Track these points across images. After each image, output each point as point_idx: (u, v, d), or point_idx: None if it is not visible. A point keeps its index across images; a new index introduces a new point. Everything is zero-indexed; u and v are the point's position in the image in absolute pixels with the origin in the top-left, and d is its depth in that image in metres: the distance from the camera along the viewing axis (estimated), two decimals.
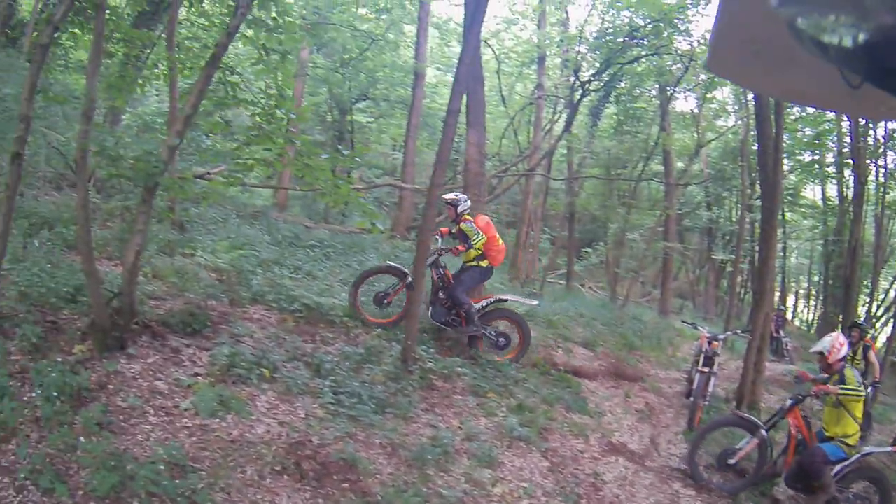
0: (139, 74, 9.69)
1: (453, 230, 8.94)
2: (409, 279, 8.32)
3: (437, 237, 8.96)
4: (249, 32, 7.20)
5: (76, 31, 11.15)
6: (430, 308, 8.66)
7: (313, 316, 7.71)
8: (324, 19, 16.32)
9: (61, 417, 4.70)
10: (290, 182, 15.12)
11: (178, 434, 5.02)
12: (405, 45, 21.26)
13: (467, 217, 8.27)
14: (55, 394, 4.80)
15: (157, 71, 9.95)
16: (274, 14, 7.17)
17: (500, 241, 8.82)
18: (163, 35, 10.19)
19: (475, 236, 8.38)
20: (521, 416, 7.20)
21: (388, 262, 9.75)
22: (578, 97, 16.12)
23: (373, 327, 8.01)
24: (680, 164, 20.09)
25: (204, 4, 11.43)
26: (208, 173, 10.36)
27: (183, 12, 10.83)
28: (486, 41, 17.26)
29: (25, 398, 4.78)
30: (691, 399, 8.88)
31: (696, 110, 19.27)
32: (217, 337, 6.34)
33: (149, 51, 10.59)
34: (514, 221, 22.59)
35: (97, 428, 4.75)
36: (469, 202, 8.70)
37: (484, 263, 8.65)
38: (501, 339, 8.76)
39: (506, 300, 9.21)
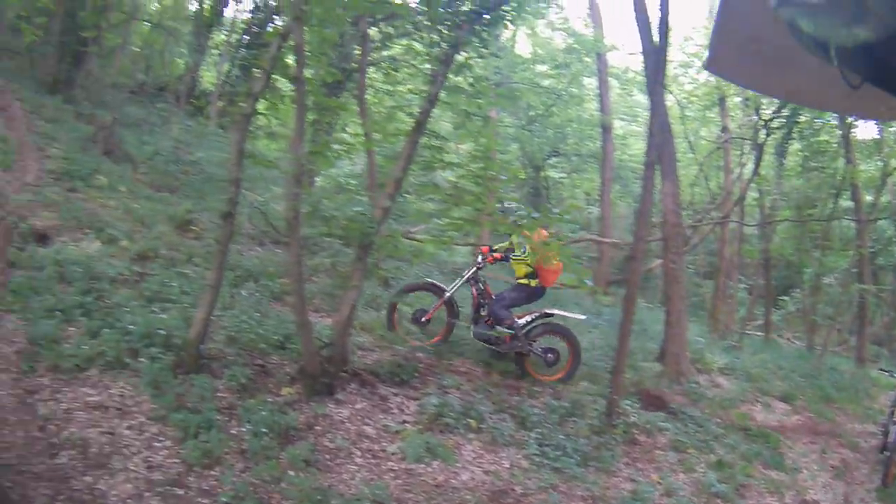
0: (330, 139, 14.47)
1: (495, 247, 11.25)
2: (447, 295, 10.85)
3: (479, 255, 11.31)
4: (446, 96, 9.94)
5: (271, 100, 16.61)
6: (473, 326, 10.96)
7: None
8: (507, 79, 21.28)
9: (268, 452, 7.03)
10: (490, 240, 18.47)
11: (383, 476, 7.34)
12: (588, 99, 25.50)
13: (525, 232, 10.20)
14: (263, 430, 7.44)
15: (349, 137, 14.55)
16: (471, 79, 9.97)
17: (556, 261, 10.61)
18: (353, 100, 15.16)
19: (520, 249, 10.62)
20: (720, 473, 9.19)
21: (427, 278, 12.33)
22: (763, 137, 19.48)
23: (412, 349, 10.38)
24: (868, 198, 21.62)
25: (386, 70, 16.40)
26: (410, 232, 13.89)
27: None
28: (667, 87, 20.18)
29: (233, 431, 7.54)
30: (886, 453, 10.41)
31: (878, 136, 20.93)
32: (425, 387, 9.09)
33: (340, 117, 15.84)
34: (711, 272, 26.45)
35: (303, 464, 7.15)
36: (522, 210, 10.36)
37: (534, 283, 10.76)
38: (550, 356, 10.73)
39: (552, 314, 11.12)
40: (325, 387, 8.63)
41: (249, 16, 30.83)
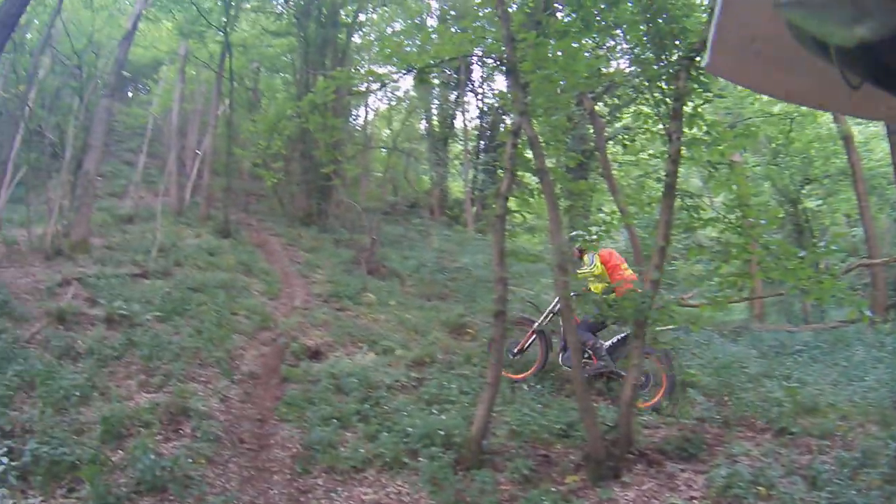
0: (588, 222, 14.84)
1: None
2: (536, 326, 10.98)
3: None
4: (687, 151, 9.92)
5: (520, 196, 17.39)
6: (561, 354, 10.95)
7: (806, 427, 9.83)
8: (739, 118, 20.67)
9: None
10: (765, 290, 17.95)
11: None
12: (819, 113, 23.77)
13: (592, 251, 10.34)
14: None
15: (605, 216, 14.89)
16: (705, 128, 9.82)
17: (627, 271, 10.53)
18: (600, 178, 15.58)
19: (585, 267, 10.72)
20: None
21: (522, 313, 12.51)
22: None
23: (510, 382, 10.44)
24: None
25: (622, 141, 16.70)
26: (683, 298, 13.94)
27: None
28: None
29: None
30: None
31: None
32: (713, 459, 8.82)
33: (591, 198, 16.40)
34: None
35: None
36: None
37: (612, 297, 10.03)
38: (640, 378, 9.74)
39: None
40: (610, 471, 8.63)
41: (478, 121, 32.70)
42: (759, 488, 8.00)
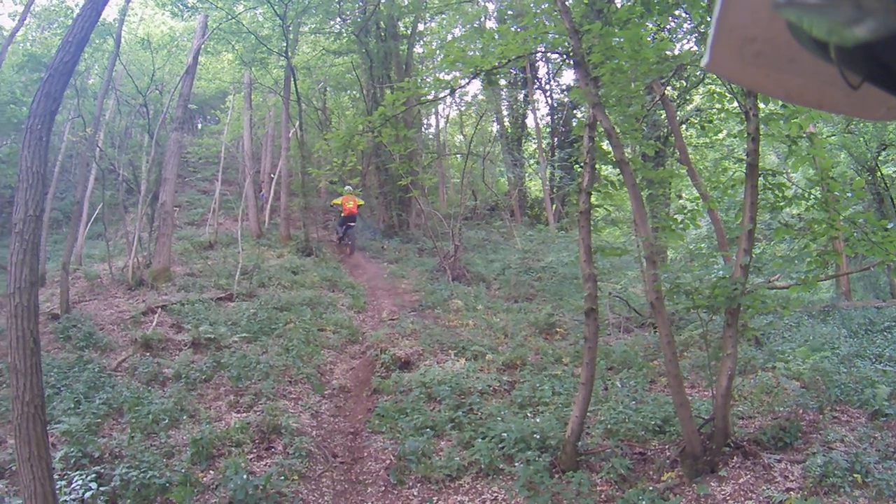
0: (669, 210, 14.53)
1: None
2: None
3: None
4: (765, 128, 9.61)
5: (603, 190, 17.32)
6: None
7: None
8: None
9: None
10: (849, 265, 17.30)
11: None
12: None
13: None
14: None
15: (687, 204, 14.58)
16: (779, 101, 10.08)
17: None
18: (679, 165, 15.23)
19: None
20: None
21: None
22: None
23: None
24: None
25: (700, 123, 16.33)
26: (770, 281, 13.52)
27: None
28: None
29: None
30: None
31: None
32: (808, 447, 8.64)
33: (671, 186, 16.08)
34: None
35: None
36: None
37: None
38: None
39: None
40: (707, 465, 8.47)
41: (549, 118, 32.49)
42: (856, 475, 7.86)
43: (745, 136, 9.15)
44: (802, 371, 11.12)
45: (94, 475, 8.39)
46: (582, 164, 9.66)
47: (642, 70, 9.55)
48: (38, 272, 6.62)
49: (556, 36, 10.54)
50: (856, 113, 1.42)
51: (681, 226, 10.23)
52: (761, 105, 9.29)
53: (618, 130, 9.57)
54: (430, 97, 13.85)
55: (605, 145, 9.96)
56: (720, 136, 16.54)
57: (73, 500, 7.84)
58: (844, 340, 12.73)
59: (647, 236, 9.21)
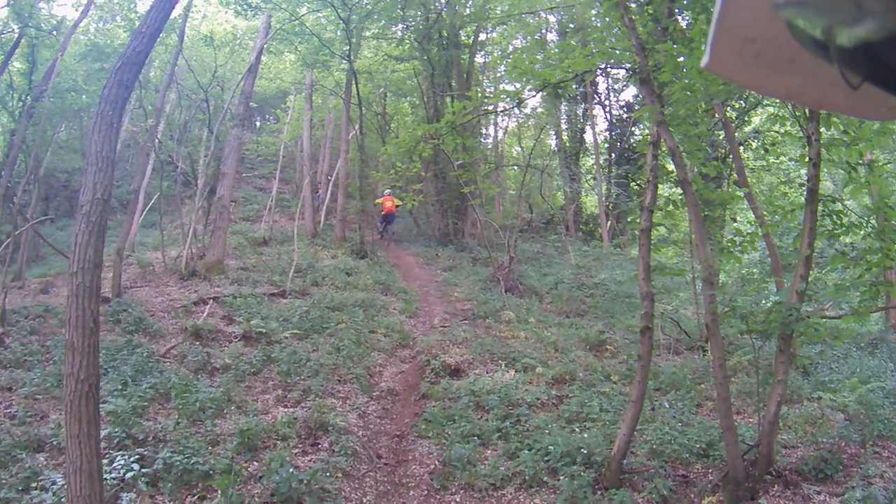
0: (723, 233, 14.33)
1: None
2: None
3: None
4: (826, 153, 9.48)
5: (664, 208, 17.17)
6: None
7: None
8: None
9: None
10: None
11: None
12: None
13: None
14: None
15: (740, 226, 14.42)
16: (841, 127, 9.33)
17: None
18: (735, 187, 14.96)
19: None
20: None
21: None
22: None
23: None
24: None
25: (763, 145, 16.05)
26: (821, 310, 12.97)
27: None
28: None
29: None
30: None
31: None
32: (848, 481, 8.56)
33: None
34: None
35: None
36: None
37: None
38: None
39: None
40: (747, 492, 8.35)
41: (607, 134, 32.31)
42: None
43: (807, 160, 9.03)
44: (848, 403, 10.96)
45: (136, 456, 8.50)
46: (640, 182, 9.55)
47: (712, 90, 9.38)
48: (101, 254, 6.62)
49: (623, 52, 10.44)
50: (856, 113, 1.46)
51: (739, 248, 10.10)
52: (822, 130, 9.13)
53: (681, 150, 9.58)
54: (494, 107, 13.81)
55: (667, 164, 9.99)
56: (778, 159, 16.26)
57: (114, 479, 7.95)
58: (892, 374, 12.42)
59: (706, 257, 9.13)
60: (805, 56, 1.26)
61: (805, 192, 9.01)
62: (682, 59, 9.22)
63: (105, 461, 7.99)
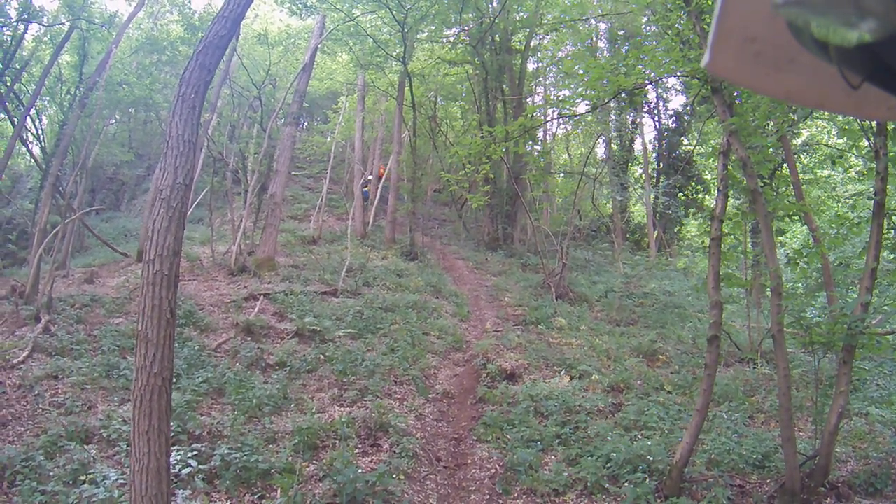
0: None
1: None
2: None
3: None
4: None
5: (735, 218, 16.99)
6: None
7: None
8: None
9: None
10: None
11: None
12: None
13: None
14: None
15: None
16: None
17: None
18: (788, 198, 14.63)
19: None
20: None
21: None
22: None
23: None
24: None
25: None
26: (872, 325, 13.44)
27: None
28: None
29: None
30: None
31: None
32: None
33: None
34: None
35: None
36: None
37: None
38: None
39: None
40: (802, 503, 8.33)
41: (657, 143, 32.04)
42: None
43: (875, 174, 8.95)
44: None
45: (193, 452, 8.43)
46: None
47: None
48: (181, 242, 6.41)
49: (693, 61, 10.26)
50: (856, 113, 1.45)
51: (805, 260, 10.43)
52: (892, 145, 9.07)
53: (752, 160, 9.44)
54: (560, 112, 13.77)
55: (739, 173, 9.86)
56: (846, 172, 15.96)
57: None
58: None
59: (776, 268, 9.11)
60: (805, 56, 1.26)
61: (873, 206, 8.94)
62: None
63: None
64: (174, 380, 10.28)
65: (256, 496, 8.05)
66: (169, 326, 6.23)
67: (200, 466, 8.17)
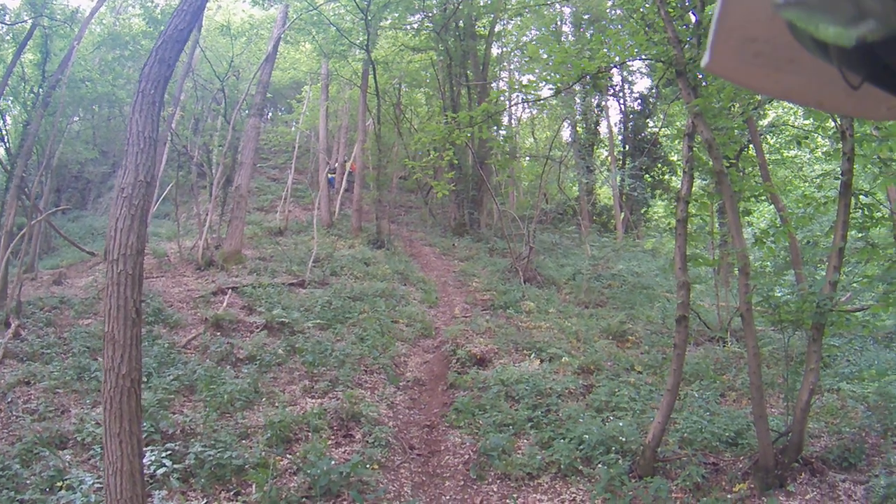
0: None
1: None
2: None
3: None
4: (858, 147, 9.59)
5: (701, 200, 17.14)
6: None
7: None
8: None
9: None
10: None
11: None
12: None
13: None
14: None
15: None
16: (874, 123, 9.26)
17: None
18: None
19: None
20: None
21: None
22: None
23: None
24: None
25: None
26: (840, 302, 13.71)
27: None
28: None
29: None
30: None
31: None
32: (871, 469, 8.70)
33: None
34: None
35: None
36: None
37: None
38: None
39: None
40: (777, 479, 8.49)
41: (622, 126, 32.21)
42: None
43: (841, 155, 9.13)
44: (868, 394, 11.05)
45: (167, 452, 8.34)
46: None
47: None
48: (144, 240, 6.34)
49: (657, 44, 10.33)
50: (856, 113, 1.63)
51: (772, 239, 10.65)
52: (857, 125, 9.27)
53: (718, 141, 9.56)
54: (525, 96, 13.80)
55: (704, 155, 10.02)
56: (812, 153, 16.17)
57: (145, 476, 7.57)
58: None
59: (743, 248, 9.23)
60: (805, 56, 1.26)
61: (840, 186, 9.06)
62: None
63: None
64: (145, 379, 10.27)
65: (232, 492, 8.00)
66: (135, 326, 6.14)
67: (175, 466, 8.09)
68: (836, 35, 1.11)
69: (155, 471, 7.92)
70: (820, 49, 1.17)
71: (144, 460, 7.76)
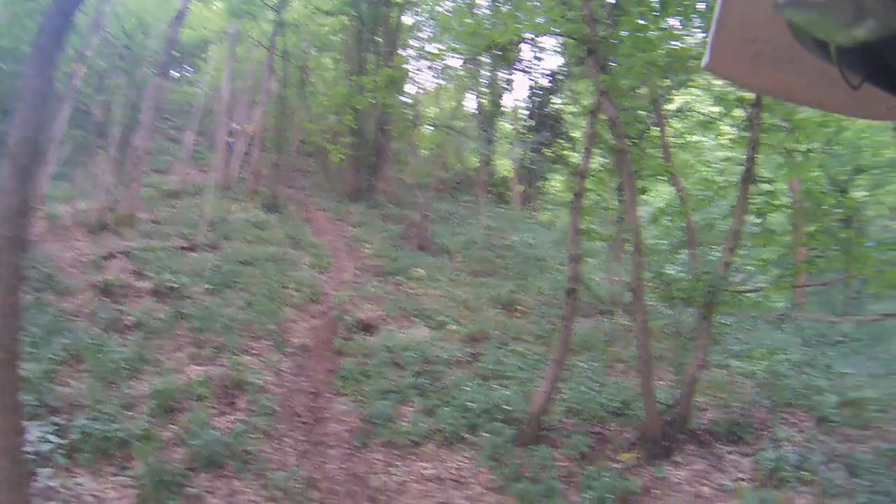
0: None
1: None
2: None
3: None
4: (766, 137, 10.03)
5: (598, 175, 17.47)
6: None
7: (849, 416, 9.97)
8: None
9: None
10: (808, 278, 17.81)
11: None
12: None
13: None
14: (607, 495, 8.06)
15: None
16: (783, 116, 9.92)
17: None
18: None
19: None
20: None
21: None
22: None
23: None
24: None
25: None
26: (735, 284, 14.29)
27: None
28: None
29: (573, 499, 8.24)
30: None
31: None
32: (759, 443, 9.07)
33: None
34: None
35: None
36: None
37: None
38: None
39: None
40: (664, 450, 8.84)
41: (529, 100, 32.46)
42: (803, 473, 8.30)
43: (748, 142, 9.53)
44: (756, 371, 11.60)
45: (52, 426, 7.99)
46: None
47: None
48: (30, 202, 5.99)
49: (572, 21, 10.47)
50: (856, 112, 1.54)
51: (669, 219, 11.44)
52: (767, 117, 9.78)
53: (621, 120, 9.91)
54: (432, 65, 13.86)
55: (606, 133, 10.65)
56: (717, 139, 16.65)
57: (29, 453, 7.17)
58: (798, 349, 13.34)
59: (637, 225, 9.62)
60: (805, 56, 1.28)
61: (743, 172, 9.55)
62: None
63: None
64: (33, 349, 9.70)
65: (117, 467, 7.72)
66: (13, 294, 5.83)
67: (60, 441, 7.73)
68: (836, 35, 1.15)
69: (40, 447, 7.51)
70: (820, 49, 1.22)
71: (28, 436, 7.33)
